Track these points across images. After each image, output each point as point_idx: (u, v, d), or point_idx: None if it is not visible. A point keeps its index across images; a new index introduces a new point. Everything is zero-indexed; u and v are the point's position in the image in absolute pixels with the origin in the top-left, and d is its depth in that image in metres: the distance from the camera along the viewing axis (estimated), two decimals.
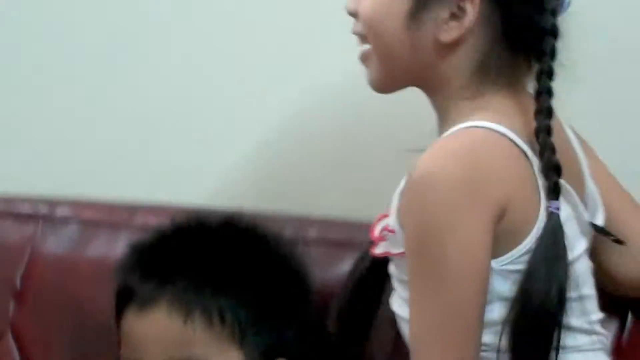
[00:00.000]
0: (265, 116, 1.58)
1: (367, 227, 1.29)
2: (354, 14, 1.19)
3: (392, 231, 1.14)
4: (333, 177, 1.55)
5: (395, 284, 1.17)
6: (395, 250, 1.14)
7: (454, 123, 1.11)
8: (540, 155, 1.07)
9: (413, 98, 1.19)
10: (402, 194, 1.12)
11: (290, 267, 1.29)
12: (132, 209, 1.54)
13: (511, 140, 1.08)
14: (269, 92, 1.57)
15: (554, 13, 1.11)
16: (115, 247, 1.48)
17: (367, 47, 1.18)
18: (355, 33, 1.19)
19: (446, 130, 1.12)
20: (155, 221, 1.47)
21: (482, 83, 1.14)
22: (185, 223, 1.29)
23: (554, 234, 1.05)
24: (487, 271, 1.05)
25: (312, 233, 1.44)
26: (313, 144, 1.57)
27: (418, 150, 1.10)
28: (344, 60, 1.23)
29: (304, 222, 1.46)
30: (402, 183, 1.14)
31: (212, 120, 1.61)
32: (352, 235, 1.42)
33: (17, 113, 1.70)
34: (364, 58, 1.19)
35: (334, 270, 1.39)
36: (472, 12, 1.11)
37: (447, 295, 1.03)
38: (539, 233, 1.05)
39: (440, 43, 1.13)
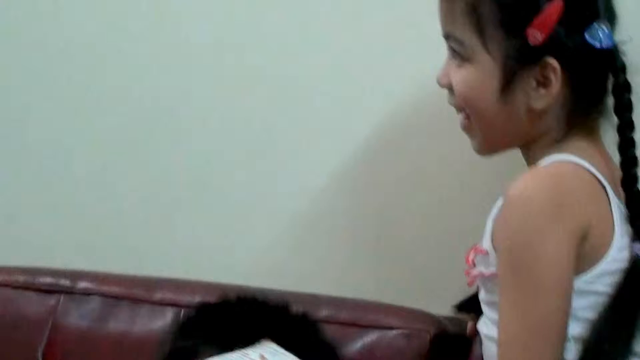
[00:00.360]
0: (280, 202, 1.65)
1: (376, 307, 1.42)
2: (447, 88, 1.30)
3: (484, 252, 1.24)
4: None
5: (484, 308, 1.27)
6: (487, 271, 1.23)
7: (542, 163, 1.23)
8: (627, 204, 1.19)
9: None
10: (496, 218, 1.23)
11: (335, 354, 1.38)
12: (152, 284, 1.58)
13: (592, 174, 1.20)
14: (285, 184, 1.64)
15: (624, 70, 1.23)
16: (135, 323, 1.54)
17: (464, 117, 1.29)
18: (451, 104, 1.31)
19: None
20: (174, 297, 1.54)
21: (567, 131, 1.25)
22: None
23: (636, 277, 1.16)
24: (571, 286, 1.15)
25: (323, 312, 1.48)
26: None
27: None
28: None
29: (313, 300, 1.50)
30: (495, 210, 1.25)
31: (229, 202, 1.67)
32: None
33: (39, 187, 1.76)
34: (466, 129, 1.31)
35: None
36: (555, 80, 1.22)
37: (536, 304, 1.14)
38: (619, 270, 1.16)
39: (532, 110, 1.24)
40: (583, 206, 1.18)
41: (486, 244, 1.25)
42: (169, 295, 1.55)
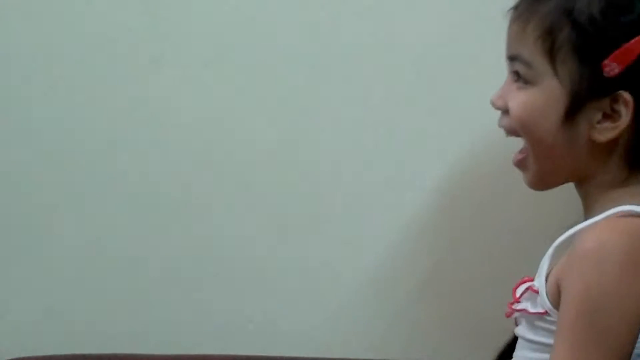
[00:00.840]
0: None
1: None
2: (501, 110, 1.25)
3: (536, 291, 1.21)
4: None
5: (522, 343, 1.25)
6: (533, 310, 1.22)
7: (603, 208, 1.19)
8: None
9: None
10: (564, 263, 1.19)
11: None
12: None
13: None
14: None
15: None
16: None
17: (521, 153, 1.26)
18: (501, 126, 1.26)
19: (594, 213, 1.20)
20: None
21: (630, 173, 1.21)
22: None
23: None
24: (633, 347, 1.13)
25: None
26: None
27: None
28: None
29: None
30: (550, 251, 1.22)
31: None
32: None
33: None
34: (520, 164, 1.26)
35: None
36: (626, 114, 1.18)
37: (601, 352, 1.12)
38: None
39: (594, 142, 1.19)
40: None
41: (539, 283, 1.21)
42: None
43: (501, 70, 1.28)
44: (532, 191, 1.31)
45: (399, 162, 1.70)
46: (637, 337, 1.13)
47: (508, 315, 1.29)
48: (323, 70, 1.72)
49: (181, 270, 1.79)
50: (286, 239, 1.75)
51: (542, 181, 1.27)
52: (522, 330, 1.26)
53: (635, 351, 1.15)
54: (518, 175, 1.31)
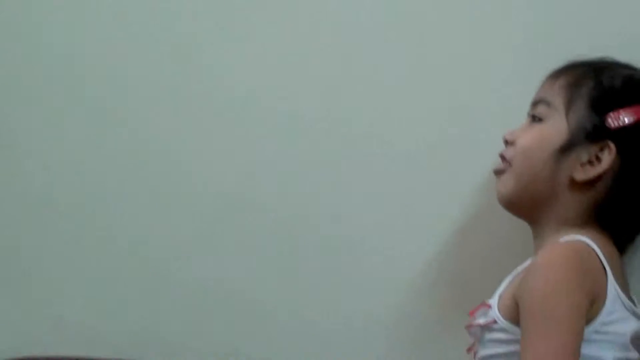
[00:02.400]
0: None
1: None
2: (510, 143, 1.45)
3: (488, 306, 1.41)
4: None
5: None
6: (483, 322, 1.41)
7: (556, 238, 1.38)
8: None
9: None
10: (519, 281, 1.37)
11: None
12: None
13: (599, 257, 1.36)
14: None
15: None
16: None
17: (503, 163, 1.45)
18: (501, 155, 1.46)
19: (543, 245, 1.40)
20: None
21: (587, 221, 1.41)
22: None
23: None
24: (583, 332, 1.31)
25: None
26: None
27: None
28: None
29: None
30: (509, 277, 1.42)
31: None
32: None
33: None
34: (499, 172, 1.46)
35: None
36: (606, 161, 1.39)
37: (554, 341, 1.28)
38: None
39: (572, 180, 1.39)
40: (596, 279, 1.35)
41: (492, 300, 1.41)
42: None
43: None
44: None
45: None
46: (584, 323, 1.32)
47: (469, 350, 1.46)
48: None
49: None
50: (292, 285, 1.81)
51: (512, 198, 1.46)
52: (478, 353, 1.44)
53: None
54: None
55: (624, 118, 1.39)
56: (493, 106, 1.63)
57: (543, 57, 1.53)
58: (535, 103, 1.46)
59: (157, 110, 1.86)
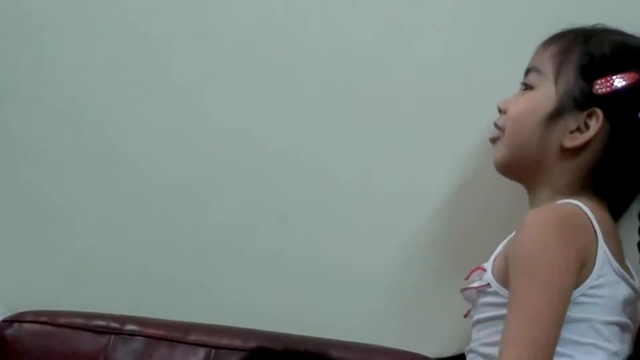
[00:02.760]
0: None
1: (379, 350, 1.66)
2: (503, 111, 1.46)
3: (484, 269, 1.43)
4: None
5: (477, 332, 1.44)
6: (477, 285, 1.43)
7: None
8: None
9: None
10: (510, 241, 1.40)
11: None
12: (188, 328, 1.81)
13: (590, 221, 1.37)
14: None
15: None
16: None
17: (497, 131, 1.46)
18: (495, 124, 1.47)
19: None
20: (206, 339, 1.78)
21: (583, 188, 1.42)
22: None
23: None
24: (569, 291, 1.33)
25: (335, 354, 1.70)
26: None
27: None
28: None
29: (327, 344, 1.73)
30: (504, 242, 1.43)
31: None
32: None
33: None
34: (494, 140, 1.47)
35: None
36: (594, 128, 1.39)
37: (538, 297, 1.30)
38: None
39: (562, 147, 1.40)
40: (586, 241, 1.36)
41: (487, 264, 1.44)
42: (201, 337, 1.78)
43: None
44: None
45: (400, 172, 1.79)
46: (572, 283, 1.33)
47: (466, 315, 1.49)
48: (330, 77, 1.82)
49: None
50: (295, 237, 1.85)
51: (506, 164, 1.47)
52: (473, 317, 1.45)
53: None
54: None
55: (612, 84, 1.39)
56: (490, 74, 1.66)
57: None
58: (527, 71, 1.47)
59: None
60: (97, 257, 1.95)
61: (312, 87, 1.82)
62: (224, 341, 1.79)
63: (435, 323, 1.76)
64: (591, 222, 1.38)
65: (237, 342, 1.78)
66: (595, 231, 1.38)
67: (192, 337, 1.80)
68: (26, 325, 1.83)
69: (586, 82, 1.41)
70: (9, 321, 1.85)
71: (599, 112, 1.39)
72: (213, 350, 1.78)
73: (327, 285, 1.84)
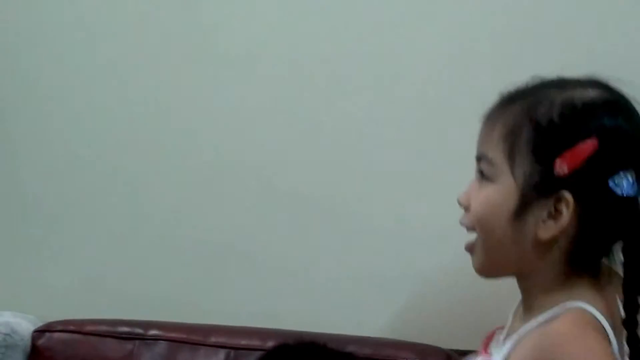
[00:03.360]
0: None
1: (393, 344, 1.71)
2: (465, 208, 1.30)
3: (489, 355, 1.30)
4: None
5: None
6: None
7: (544, 307, 1.24)
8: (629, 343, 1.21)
9: None
10: (534, 346, 1.22)
11: None
12: (208, 330, 1.89)
13: (600, 322, 1.22)
14: None
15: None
16: None
17: (472, 238, 1.29)
18: (461, 224, 1.30)
19: (533, 311, 1.25)
20: (226, 341, 1.85)
21: (571, 273, 1.25)
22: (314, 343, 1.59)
23: None
24: None
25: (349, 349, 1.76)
26: None
27: None
28: None
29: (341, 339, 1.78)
30: (515, 337, 1.26)
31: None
32: None
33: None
34: (470, 248, 1.30)
35: None
36: (566, 214, 1.21)
37: None
38: None
39: (539, 239, 1.23)
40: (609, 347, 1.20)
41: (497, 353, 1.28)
42: (221, 339, 1.86)
43: None
44: None
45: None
46: None
47: None
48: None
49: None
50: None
51: (486, 270, 1.31)
52: None
53: None
54: None
55: (573, 161, 1.21)
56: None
57: None
58: (479, 158, 1.30)
59: None
60: (117, 266, 2.03)
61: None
62: (243, 342, 1.86)
63: (453, 317, 1.80)
64: (604, 328, 1.23)
65: (255, 342, 1.84)
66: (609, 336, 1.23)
67: (212, 339, 1.87)
68: (56, 335, 1.92)
69: (544, 165, 1.23)
70: (41, 331, 1.94)
71: (567, 195, 1.22)
72: (232, 351, 1.85)
73: (347, 286, 1.90)
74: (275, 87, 1.92)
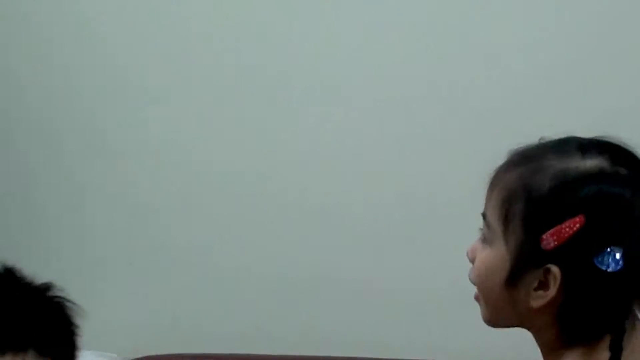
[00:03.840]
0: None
1: None
2: (471, 261, 1.31)
3: None
4: None
5: None
6: None
7: None
8: None
9: None
10: None
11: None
12: None
13: None
14: None
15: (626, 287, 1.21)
16: None
17: (477, 293, 1.31)
18: (469, 277, 1.31)
19: None
20: None
21: (569, 340, 1.25)
22: None
23: None
24: None
25: None
26: None
27: None
28: None
29: None
30: None
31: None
32: None
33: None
34: (477, 298, 1.32)
35: None
36: (554, 286, 1.22)
37: None
38: None
39: (530, 307, 1.24)
40: None
41: None
42: None
43: None
44: None
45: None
46: None
47: None
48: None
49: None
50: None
51: (493, 322, 1.33)
52: None
53: None
54: None
55: (559, 236, 1.22)
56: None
57: None
58: (483, 216, 1.31)
59: None
60: (197, 301, 2.08)
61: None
62: None
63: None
64: None
65: None
66: None
67: None
68: None
69: (533, 237, 1.23)
70: None
71: (555, 269, 1.22)
72: None
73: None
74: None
